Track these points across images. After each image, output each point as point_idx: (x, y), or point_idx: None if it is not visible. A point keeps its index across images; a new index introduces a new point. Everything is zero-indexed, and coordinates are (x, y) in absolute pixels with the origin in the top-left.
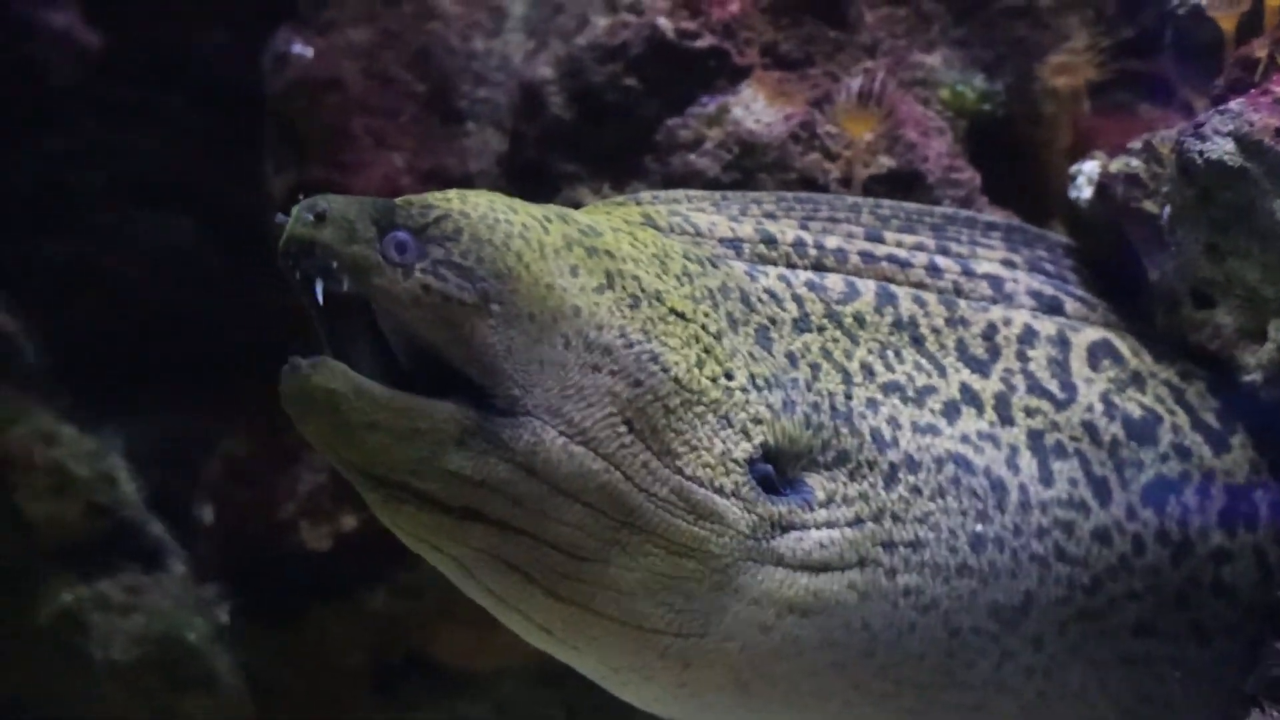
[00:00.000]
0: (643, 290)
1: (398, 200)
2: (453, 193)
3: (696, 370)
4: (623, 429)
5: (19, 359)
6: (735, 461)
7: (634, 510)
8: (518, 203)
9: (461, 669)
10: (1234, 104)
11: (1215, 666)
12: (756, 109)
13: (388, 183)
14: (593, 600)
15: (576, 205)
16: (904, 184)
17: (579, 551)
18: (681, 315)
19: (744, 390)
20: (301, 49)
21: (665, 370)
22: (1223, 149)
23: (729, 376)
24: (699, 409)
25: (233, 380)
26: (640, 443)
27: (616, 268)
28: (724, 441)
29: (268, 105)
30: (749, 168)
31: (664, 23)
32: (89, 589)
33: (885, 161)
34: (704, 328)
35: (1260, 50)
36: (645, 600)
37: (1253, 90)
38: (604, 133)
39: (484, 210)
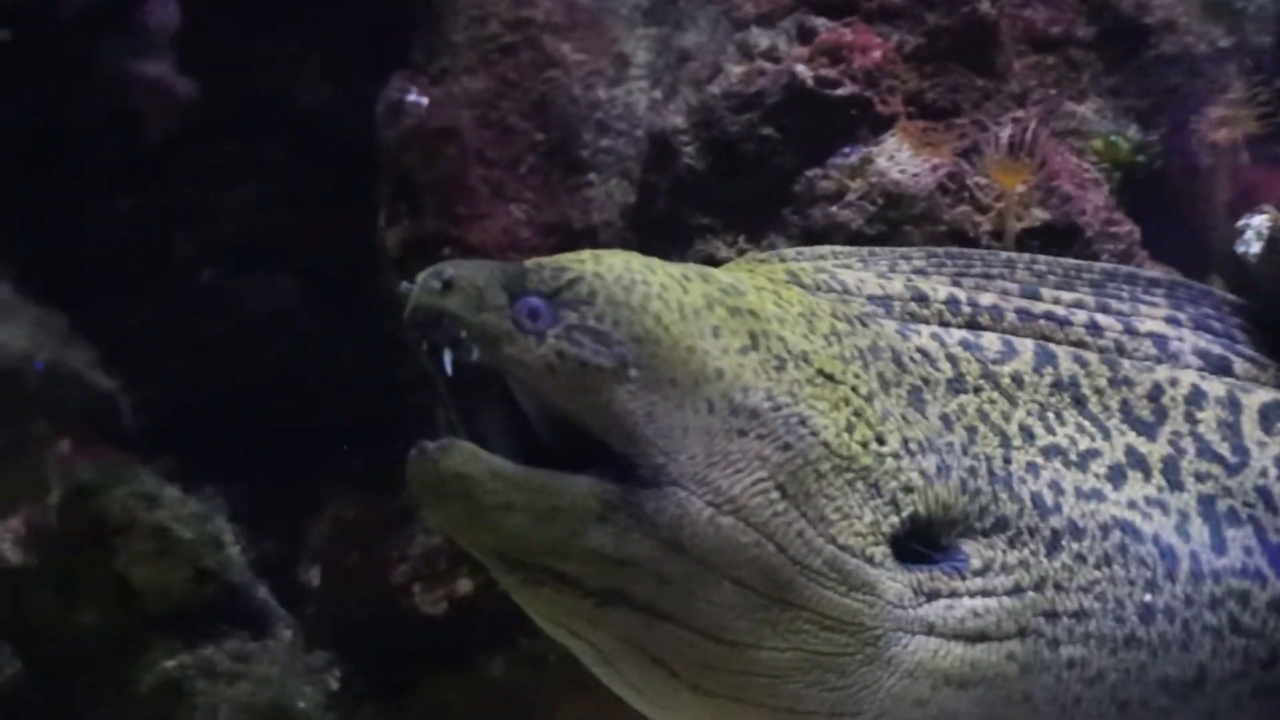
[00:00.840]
0: (789, 351)
1: (528, 264)
2: (587, 254)
3: (847, 435)
4: (775, 495)
5: (117, 420)
6: (883, 534)
7: (788, 585)
8: (655, 262)
9: None
10: None
11: None
12: (901, 159)
13: (506, 235)
14: (742, 690)
15: (712, 260)
16: (1060, 238)
17: (727, 635)
18: (830, 377)
19: (896, 456)
20: (416, 98)
21: (815, 434)
22: None
23: (880, 441)
24: (849, 475)
25: (339, 442)
26: (795, 510)
27: (761, 328)
28: (873, 511)
29: (380, 156)
30: (895, 220)
31: (802, 70)
32: (193, 656)
33: (1039, 214)
34: (854, 389)
35: None
36: (798, 682)
37: None
38: (739, 184)
39: (620, 271)
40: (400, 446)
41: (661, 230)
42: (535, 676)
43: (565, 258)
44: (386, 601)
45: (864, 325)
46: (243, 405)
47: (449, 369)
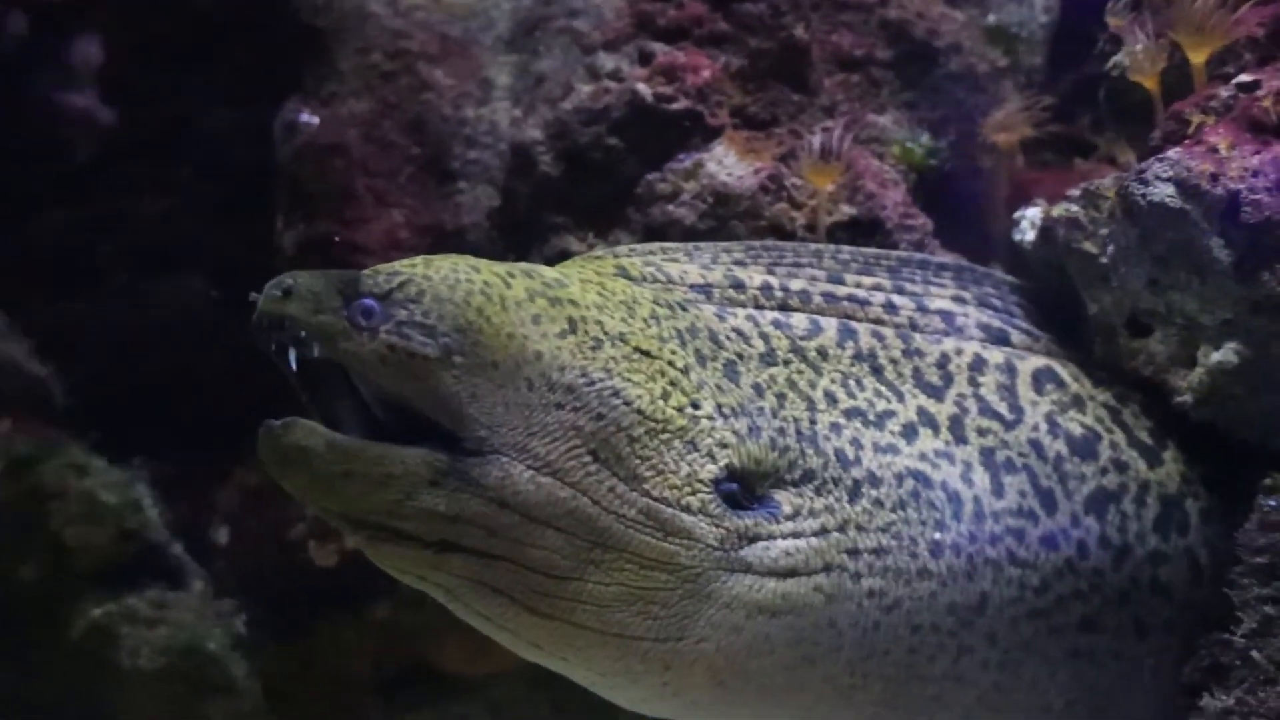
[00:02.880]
0: (605, 333)
1: (365, 270)
2: (419, 259)
3: (662, 402)
4: (587, 459)
5: (49, 401)
6: (701, 482)
7: (604, 531)
8: (484, 263)
9: (459, 674)
10: (1172, 153)
11: (1153, 658)
12: (729, 164)
13: (388, 236)
14: (574, 614)
15: (564, 253)
16: (865, 230)
17: (556, 571)
18: (646, 353)
19: (710, 418)
20: (308, 118)
21: (628, 404)
22: (1164, 192)
23: (695, 406)
24: (665, 436)
25: (245, 420)
26: (606, 469)
27: (579, 314)
28: (690, 464)
29: (278, 169)
30: (723, 216)
31: (643, 88)
32: (118, 605)
33: (847, 210)
34: (670, 363)
35: (1192, 110)
36: (623, 610)
37: (1187, 140)
38: (589, 188)
39: (446, 272)
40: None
41: (523, 229)
42: (416, 617)
43: (400, 263)
44: (285, 556)
45: (684, 310)
46: (159, 389)
47: (294, 364)
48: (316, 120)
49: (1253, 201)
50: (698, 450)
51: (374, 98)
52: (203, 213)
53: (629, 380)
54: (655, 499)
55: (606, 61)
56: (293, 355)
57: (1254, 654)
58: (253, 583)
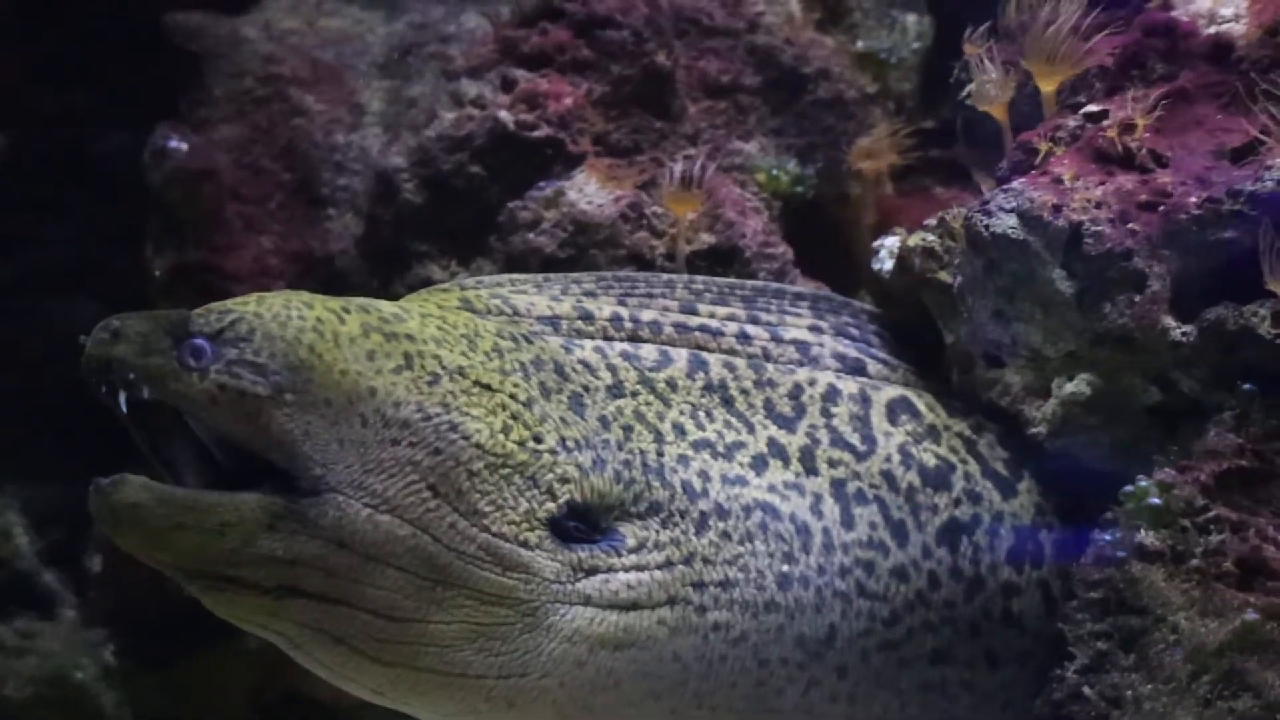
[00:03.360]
0: (443, 368)
1: (196, 310)
2: (252, 296)
3: (502, 436)
4: (427, 494)
5: None
6: (538, 520)
7: (445, 568)
8: (319, 299)
9: (333, 703)
10: (1016, 183)
11: (1005, 690)
12: (589, 192)
13: (257, 263)
14: (416, 659)
15: (427, 281)
16: (724, 258)
17: (398, 613)
18: (487, 386)
19: (553, 452)
20: (178, 143)
21: (466, 438)
22: (1006, 224)
23: (538, 440)
24: (505, 471)
25: (125, 448)
26: (446, 505)
27: (416, 349)
28: (529, 500)
29: (150, 195)
30: (583, 244)
31: (505, 115)
32: None
33: (706, 238)
34: (512, 396)
35: (1039, 140)
36: (465, 650)
37: (1033, 171)
38: (452, 215)
39: (277, 309)
40: None
41: (387, 257)
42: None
43: (232, 301)
44: (157, 584)
45: (529, 342)
46: (43, 413)
47: (124, 407)
48: (185, 146)
49: (1094, 233)
50: (537, 486)
51: (246, 123)
52: (97, 236)
53: (468, 414)
54: (494, 534)
55: (470, 88)
56: (123, 398)
57: (1085, 690)
58: (125, 611)
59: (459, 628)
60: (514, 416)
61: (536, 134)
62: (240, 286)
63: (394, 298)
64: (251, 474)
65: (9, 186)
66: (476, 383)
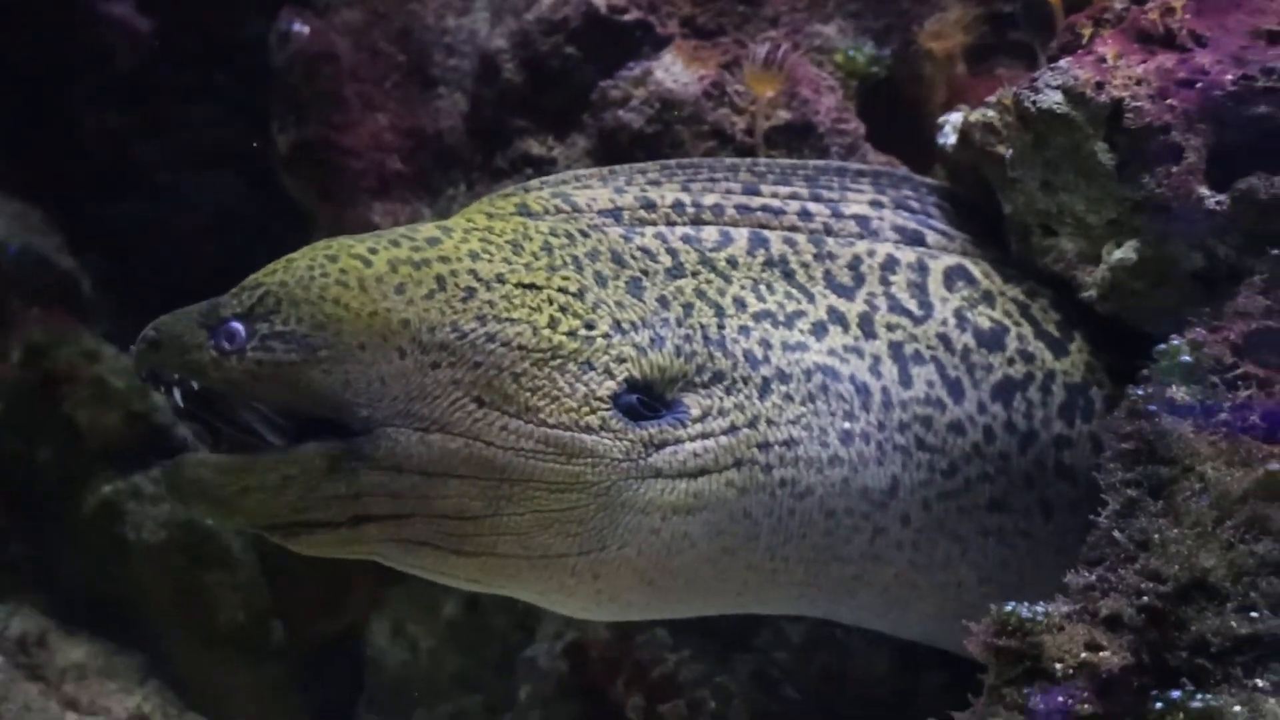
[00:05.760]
0: (479, 280)
1: (228, 294)
2: (280, 262)
3: (548, 330)
4: (472, 406)
5: (76, 292)
6: (599, 400)
7: (505, 467)
8: (345, 245)
9: None
10: (1063, 62)
11: (1059, 538)
12: (675, 71)
13: (374, 139)
14: (497, 547)
15: (526, 156)
16: (799, 134)
17: (470, 513)
18: (531, 285)
19: (606, 335)
20: (300, 27)
21: (506, 344)
22: (1052, 99)
23: (590, 326)
24: (555, 363)
25: None
26: (495, 411)
27: (449, 269)
28: (586, 384)
29: (273, 76)
30: (669, 121)
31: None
32: (126, 483)
33: (783, 115)
34: (561, 289)
35: (1084, 24)
36: (543, 534)
37: (1079, 51)
38: (548, 94)
39: (300, 272)
40: None
41: (488, 133)
42: None
43: (262, 273)
44: None
45: (585, 236)
46: (197, 284)
47: (180, 403)
48: (307, 29)
49: (1135, 108)
50: (594, 369)
51: (364, 8)
52: (239, 116)
53: (507, 319)
54: (552, 426)
55: None
56: (177, 395)
57: (1116, 534)
58: None
59: (533, 517)
60: (562, 309)
61: (627, 17)
62: (358, 161)
63: (496, 172)
64: (315, 425)
65: (159, 70)
66: (519, 284)
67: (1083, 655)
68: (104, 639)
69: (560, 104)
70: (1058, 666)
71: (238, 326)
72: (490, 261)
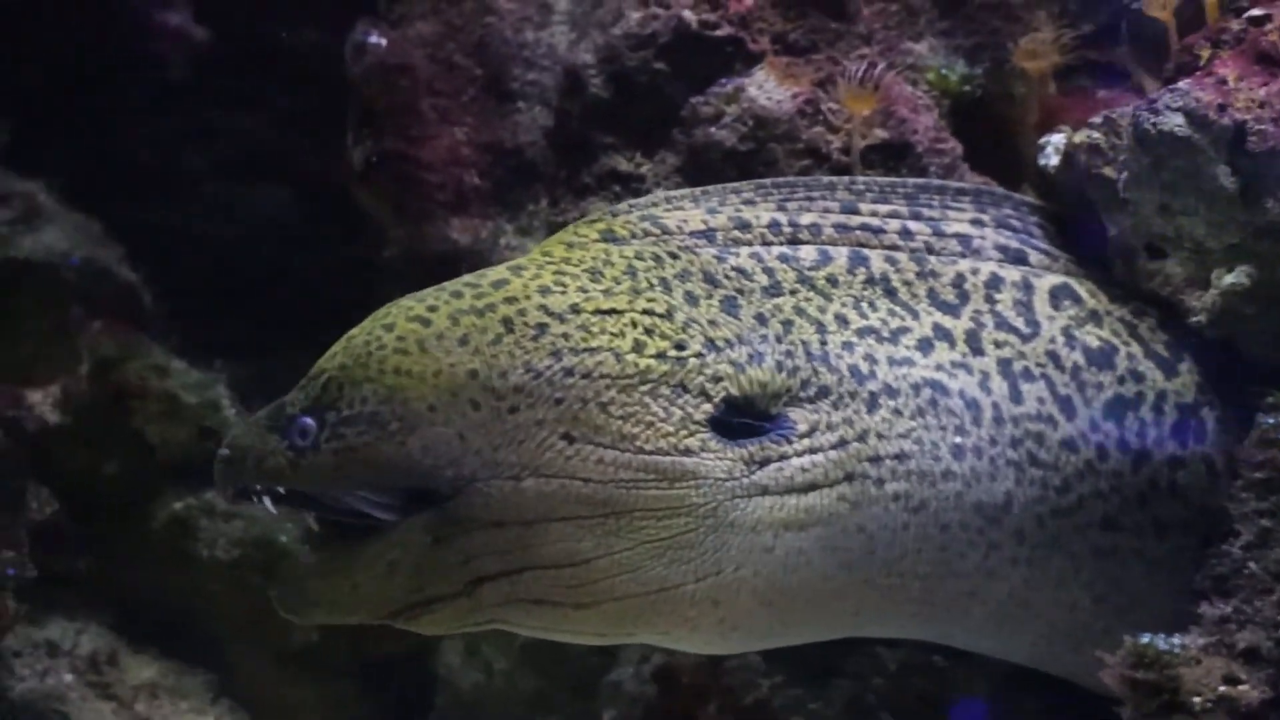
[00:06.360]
0: (550, 314)
1: (297, 385)
2: (340, 342)
3: (633, 355)
4: (561, 444)
5: (138, 304)
6: (697, 423)
7: (606, 501)
8: (403, 308)
9: None
10: (1183, 84)
11: (1173, 558)
12: (768, 88)
13: (450, 153)
14: (613, 590)
15: (613, 172)
16: (896, 153)
17: (578, 557)
18: (611, 311)
19: (699, 355)
20: (377, 39)
21: (586, 375)
22: (1173, 122)
23: (680, 347)
24: (644, 387)
25: (321, 325)
26: (587, 444)
27: (516, 310)
28: (681, 408)
29: (349, 87)
30: (762, 139)
31: (688, 15)
32: (197, 499)
33: (880, 134)
34: (646, 311)
35: (1201, 46)
36: (655, 566)
37: (1198, 73)
38: (636, 109)
39: (359, 350)
40: None
41: (573, 149)
42: None
43: (324, 359)
44: None
45: (674, 258)
46: (242, 294)
47: (273, 509)
48: (384, 41)
49: (1258, 131)
50: (688, 391)
51: (439, 20)
52: (290, 126)
53: (585, 350)
54: (650, 452)
55: None
56: (268, 503)
57: (1251, 565)
58: None
59: (644, 548)
60: (648, 331)
61: (718, 33)
62: (434, 175)
63: (581, 188)
64: (417, 494)
65: (209, 78)
66: (596, 311)
67: (1221, 689)
68: (172, 657)
69: (648, 120)
70: (1195, 700)
71: (308, 421)
72: (564, 293)
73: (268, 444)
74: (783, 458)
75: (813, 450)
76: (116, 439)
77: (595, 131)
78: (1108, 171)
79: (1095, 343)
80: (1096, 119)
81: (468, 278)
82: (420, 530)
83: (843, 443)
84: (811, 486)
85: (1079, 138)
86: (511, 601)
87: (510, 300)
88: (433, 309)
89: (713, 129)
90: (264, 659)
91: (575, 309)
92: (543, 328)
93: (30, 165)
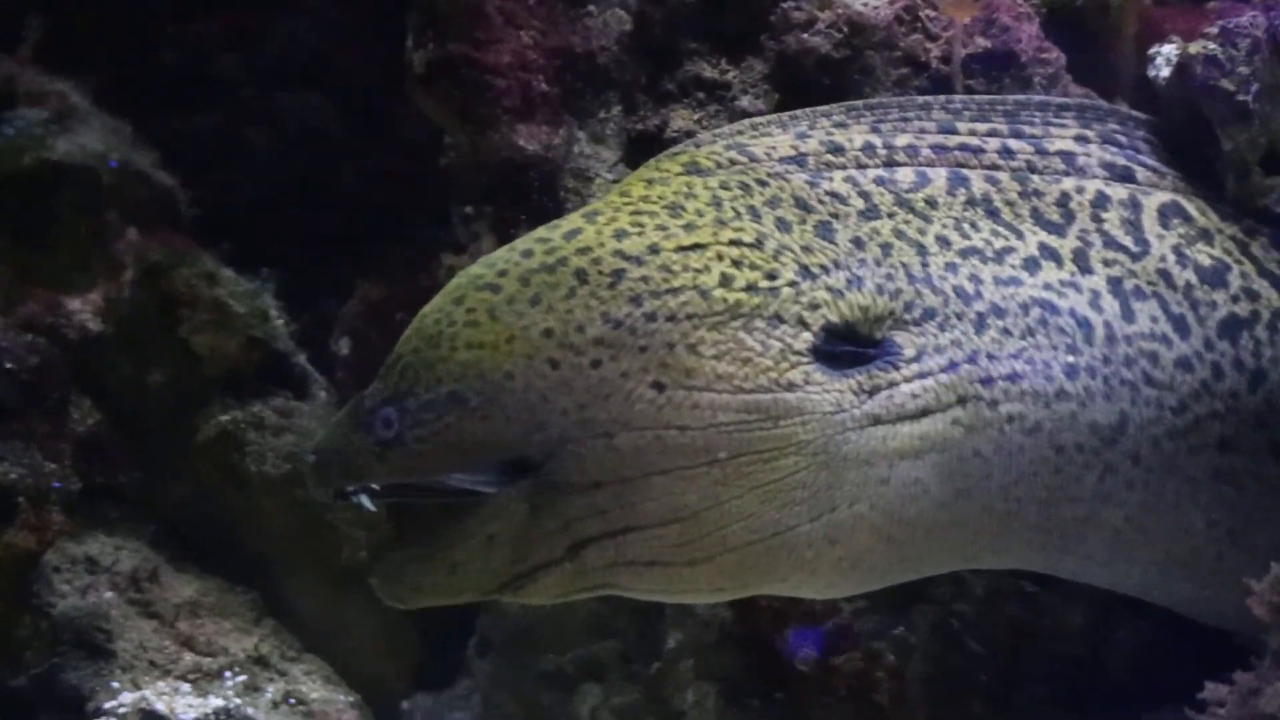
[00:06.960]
0: (627, 259)
1: (377, 377)
2: (413, 324)
3: (721, 290)
4: (652, 393)
5: (176, 211)
6: (798, 353)
7: (707, 448)
8: (475, 273)
9: None
10: None
11: None
12: None
13: (516, 57)
14: (726, 541)
15: (697, 79)
16: (999, 63)
17: (685, 511)
18: (694, 246)
19: (792, 284)
20: None
21: (671, 318)
22: None
23: (772, 276)
24: (737, 322)
25: (367, 234)
26: (680, 390)
27: (589, 259)
28: (780, 339)
29: None
30: (858, 45)
31: None
32: (245, 412)
33: (982, 42)
34: (733, 241)
35: None
36: (768, 509)
37: None
38: (723, 14)
39: (429, 330)
40: (418, 238)
41: (656, 54)
42: None
43: (399, 342)
44: None
45: (763, 185)
46: (285, 203)
47: (371, 507)
48: None
49: None
50: (785, 322)
51: None
52: (328, 31)
53: (667, 291)
54: (750, 391)
55: None
56: (366, 501)
57: None
58: None
59: (753, 495)
60: (735, 263)
61: None
62: (500, 80)
63: (662, 95)
64: (512, 464)
65: None
66: (678, 249)
67: None
68: (214, 574)
69: (737, 25)
70: None
71: (389, 412)
72: (641, 234)
73: (352, 443)
74: (892, 384)
75: (922, 375)
76: (162, 349)
77: (679, 36)
78: (1225, 84)
79: (1207, 261)
80: (1212, 29)
81: (539, 231)
82: (517, 500)
83: (952, 365)
84: (924, 412)
85: (1194, 48)
86: (618, 564)
87: (583, 250)
88: (502, 273)
89: (805, 35)
90: (311, 578)
91: (654, 249)
92: (619, 274)
93: (61, 64)
